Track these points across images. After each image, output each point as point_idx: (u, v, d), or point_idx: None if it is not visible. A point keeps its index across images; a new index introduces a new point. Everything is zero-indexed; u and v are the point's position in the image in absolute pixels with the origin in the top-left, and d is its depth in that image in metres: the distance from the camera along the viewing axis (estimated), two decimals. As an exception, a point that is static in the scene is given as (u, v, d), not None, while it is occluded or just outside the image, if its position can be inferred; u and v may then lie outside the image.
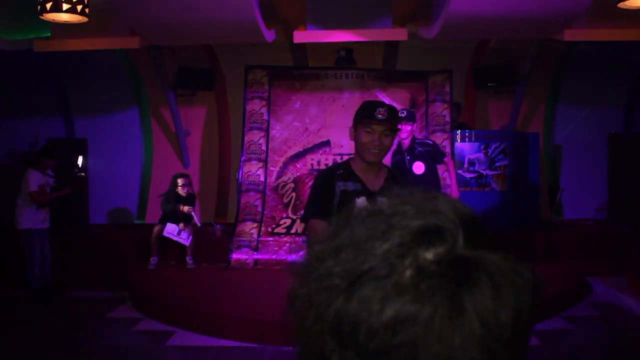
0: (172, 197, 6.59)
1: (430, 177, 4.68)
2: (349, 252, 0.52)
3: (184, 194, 6.60)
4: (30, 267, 5.58)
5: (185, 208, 6.49)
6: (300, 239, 6.62)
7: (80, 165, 6.02)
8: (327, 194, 2.41)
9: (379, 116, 2.37)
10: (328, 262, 0.53)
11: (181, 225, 6.44)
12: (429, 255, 0.50)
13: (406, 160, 4.61)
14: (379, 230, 0.53)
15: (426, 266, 0.50)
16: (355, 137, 2.46)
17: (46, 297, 5.61)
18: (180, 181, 6.65)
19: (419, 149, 4.70)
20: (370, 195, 2.42)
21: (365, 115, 2.41)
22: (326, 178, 2.49)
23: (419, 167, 4.61)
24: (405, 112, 4.91)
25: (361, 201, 2.32)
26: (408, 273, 0.50)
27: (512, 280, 0.52)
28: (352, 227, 0.54)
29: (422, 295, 0.48)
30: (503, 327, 0.49)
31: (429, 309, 0.48)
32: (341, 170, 2.47)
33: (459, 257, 0.51)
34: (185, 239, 6.42)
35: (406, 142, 4.69)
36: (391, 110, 2.45)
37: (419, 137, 5.44)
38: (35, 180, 5.52)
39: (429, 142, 4.99)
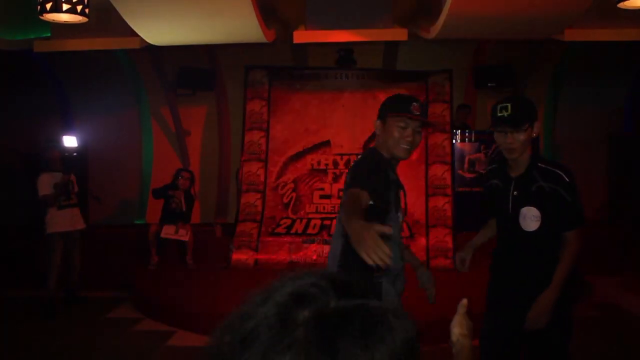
0: (170, 187, 6.70)
1: (544, 242, 2.37)
2: (237, 322, 0.65)
3: (181, 187, 6.66)
4: (49, 275, 5.36)
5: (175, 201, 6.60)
6: (300, 239, 6.62)
7: (68, 145, 5.70)
8: (384, 177, 2.17)
9: (415, 111, 2.20)
10: (226, 335, 0.65)
11: (180, 223, 6.47)
12: (305, 312, 0.62)
13: (510, 197, 2.42)
14: (258, 300, 0.66)
15: (301, 320, 0.61)
16: (383, 130, 2.27)
17: (54, 312, 5.33)
18: (182, 174, 6.76)
19: (541, 182, 2.35)
20: (403, 190, 2.34)
21: (400, 108, 2.22)
22: (380, 162, 2.22)
23: (530, 217, 2.36)
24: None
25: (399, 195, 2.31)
26: (285, 328, 0.61)
27: (389, 321, 0.64)
28: (247, 300, 0.68)
29: (297, 345, 0.59)
30: None
31: (302, 356, 0.58)
32: (382, 159, 2.26)
33: (332, 310, 0.62)
34: (184, 235, 6.45)
35: (522, 159, 2.40)
36: (424, 106, 2.29)
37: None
38: (44, 183, 5.35)
39: (560, 173, 2.35)
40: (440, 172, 6.77)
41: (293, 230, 6.72)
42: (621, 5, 4.93)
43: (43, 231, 5.45)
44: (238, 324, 0.64)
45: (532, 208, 2.34)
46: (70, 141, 5.75)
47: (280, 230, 6.75)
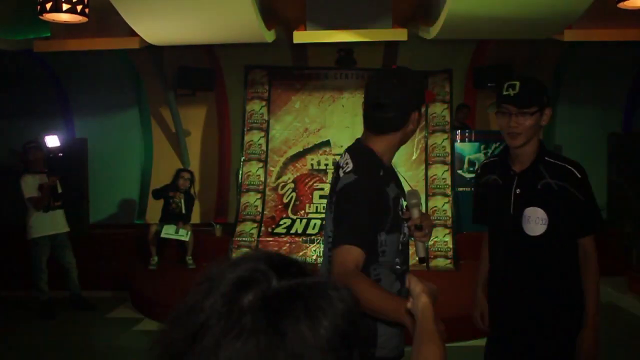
0: (170, 187, 6.70)
1: (551, 249, 2.03)
2: (185, 317, 0.65)
3: (182, 188, 6.66)
4: (36, 280, 5.26)
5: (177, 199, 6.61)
6: (300, 239, 6.62)
7: (52, 145, 5.46)
8: (380, 211, 1.73)
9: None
10: (172, 333, 0.65)
11: (180, 223, 6.47)
12: (249, 297, 0.63)
13: (512, 196, 2.09)
14: (202, 292, 0.66)
15: (246, 306, 0.63)
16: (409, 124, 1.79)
17: (53, 312, 5.31)
18: (182, 174, 6.76)
19: (548, 178, 2.04)
20: (402, 191, 1.86)
21: (422, 99, 1.82)
22: (376, 190, 1.74)
23: (534, 220, 2.02)
24: None
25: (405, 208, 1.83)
26: (233, 316, 0.62)
27: (328, 295, 0.66)
28: (187, 295, 0.68)
29: (246, 331, 0.61)
30: (325, 338, 0.62)
31: (253, 342, 0.60)
32: (381, 171, 1.79)
33: (275, 291, 0.64)
34: (184, 234, 6.45)
35: (528, 150, 2.08)
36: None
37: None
38: (28, 185, 5.20)
39: (570, 168, 2.09)
40: (440, 172, 6.77)
41: (293, 230, 6.72)
42: (621, 5, 4.94)
43: (26, 235, 5.27)
44: (187, 319, 0.65)
45: (537, 209, 1.98)
46: (52, 141, 5.59)
47: (280, 230, 6.75)
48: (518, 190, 2.05)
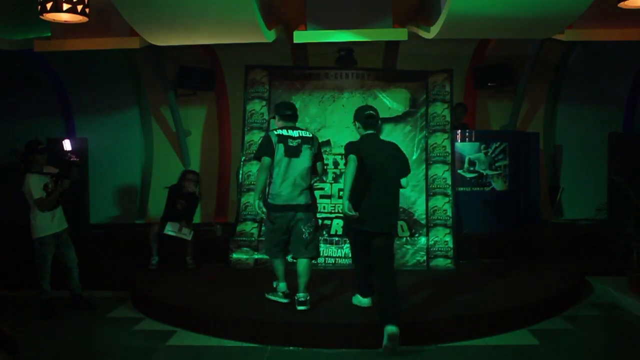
0: (175, 191, 6.69)
1: None
2: None
3: (187, 189, 6.66)
4: (40, 279, 5.23)
5: (179, 205, 6.60)
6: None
7: (69, 149, 5.43)
8: None
9: None
10: None
11: (183, 222, 6.47)
12: None
13: None
14: None
15: None
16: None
17: (54, 312, 5.27)
18: (187, 176, 6.75)
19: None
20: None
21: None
22: None
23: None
24: None
25: None
26: None
27: None
28: None
29: None
30: None
31: None
32: None
33: None
34: (187, 234, 6.45)
35: None
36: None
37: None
38: (35, 185, 5.13)
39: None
40: (441, 171, 6.77)
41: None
42: (621, 5, 4.94)
43: (32, 234, 5.23)
44: None
45: None
46: (67, 144, 5.59)
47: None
48: None
